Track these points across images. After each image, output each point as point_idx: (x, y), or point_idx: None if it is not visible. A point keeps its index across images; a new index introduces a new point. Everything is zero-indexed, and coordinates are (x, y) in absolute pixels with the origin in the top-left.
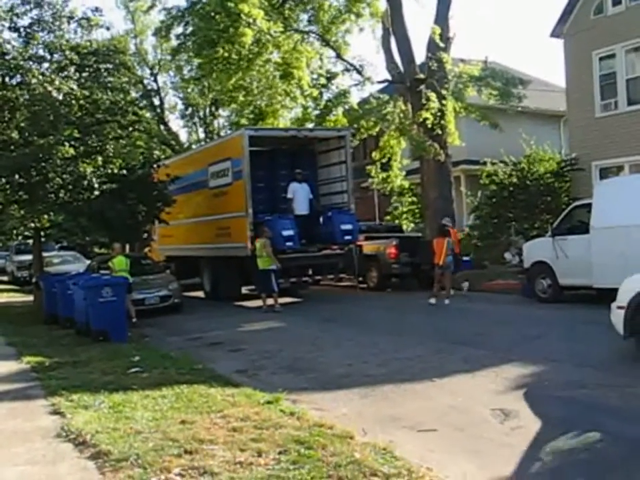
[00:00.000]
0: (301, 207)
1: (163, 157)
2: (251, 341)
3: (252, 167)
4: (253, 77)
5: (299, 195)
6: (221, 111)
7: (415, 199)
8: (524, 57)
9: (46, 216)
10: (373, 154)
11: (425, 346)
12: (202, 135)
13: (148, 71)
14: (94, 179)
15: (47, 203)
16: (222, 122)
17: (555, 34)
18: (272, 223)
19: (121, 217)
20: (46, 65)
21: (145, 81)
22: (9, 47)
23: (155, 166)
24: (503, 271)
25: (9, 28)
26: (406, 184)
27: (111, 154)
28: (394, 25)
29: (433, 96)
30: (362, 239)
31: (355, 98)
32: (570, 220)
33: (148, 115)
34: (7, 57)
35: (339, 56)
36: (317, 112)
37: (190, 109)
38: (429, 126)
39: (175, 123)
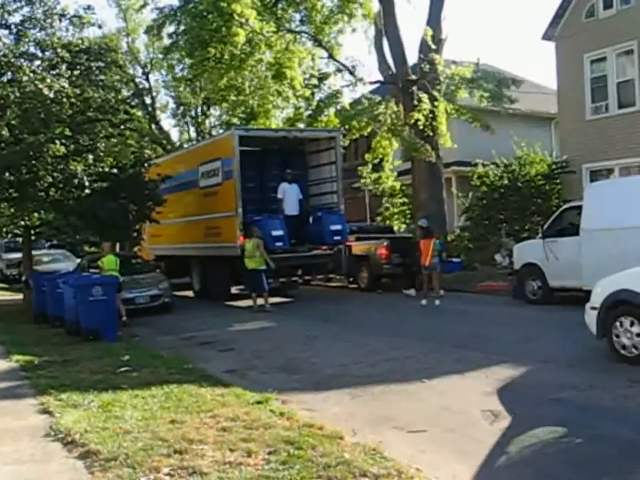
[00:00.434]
0: (291, 207)
1: (154, 156)
2: (242, 340)
3: (242, 167)
4: (245, 77)
5: (289, 195)
6: (212, 110)
7: (406, 199)
8: (516, 59)
9: (36, 214)
10: (365, 155)
11: (415, 347)
12: (193, 134)
13: (140, 70)
14: (85, 178)
15: (37, 201)
16: (213, 121)
17: (546, 36)
18: (262, 222)
19: (111, 215)
20: (37, 62)
21: (137, 80)
22: None
23: (146, 165)
24: (493, 272)
25: (0, 25)
26: (397, 185)
27: (101, 152)
28: (386, 26)
29: (424, 97)
30: (353, 240)
31: (346, 98)
32: (560, 222)
33: (139, 113)
34: None
35: (331, 56)
36: (308, 112)
37: (181, 108)
38: (421, 127)
39: (167, 122)
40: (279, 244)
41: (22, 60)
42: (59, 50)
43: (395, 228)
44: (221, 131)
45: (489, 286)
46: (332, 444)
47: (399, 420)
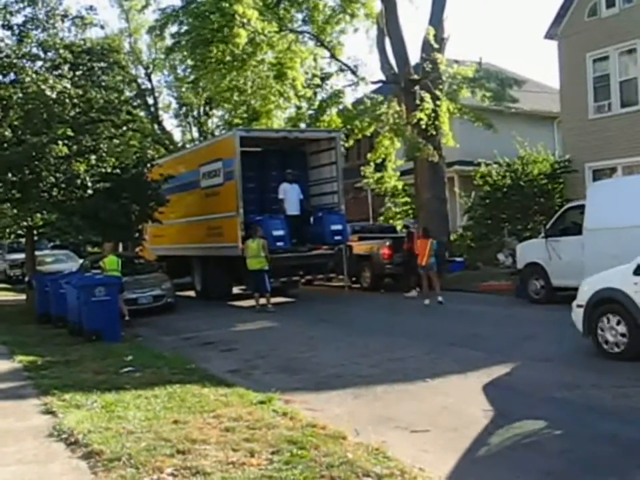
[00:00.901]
0: (292, 207)
1: (156, 156)
2: (244, 340)
3: (243, 168)
4: (247, 77)
5: (290, 196)
6: (215, 111)
7: (408, 199)
8: (518, 58)
9: (39, 214)
10: (368, 154)
11: (417, 346)
12: (196, 135)
13: (142, 70)
14: (87, 178)
15: (40, 202)
16: (216, 121)
17: (549, 35)
18: (263, 222)
19: (114, 216)
20: (39, 63)
21: (139, 80)
22: (2, 44)
23: (148, 165)
24: (496, 272)
25: (2, 26)
26: (400, 184)
27: (104, 153)
28: (388, 25)
29: (427, 97)
30: (355, 239)
31: (349, 98)
32: (563, 221)
33: (142, 114)
34: (0, 55)
35: (333, 56)
36: (310, 112)
37: (184, 109)
38: (423, 127)
39: (169, 122)
40: (279, 244)
41: (24, 61)
42: (61, 51)
43: (398, 228)
44: (223, 131)
45: (492, 285)
46: (335, 444)
47: (402, 420)
